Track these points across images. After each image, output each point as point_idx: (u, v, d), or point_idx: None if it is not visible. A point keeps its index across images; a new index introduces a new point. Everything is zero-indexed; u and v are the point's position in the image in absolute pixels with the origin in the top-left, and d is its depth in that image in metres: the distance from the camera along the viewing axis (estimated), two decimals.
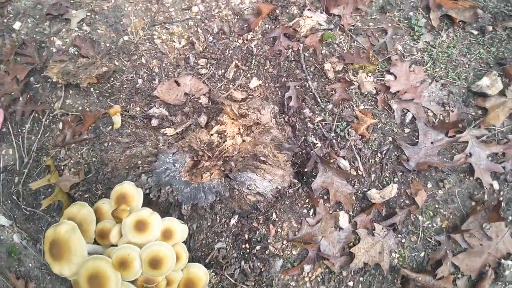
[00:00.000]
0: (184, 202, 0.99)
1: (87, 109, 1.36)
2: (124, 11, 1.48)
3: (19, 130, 1.35)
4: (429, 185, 1.33)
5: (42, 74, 1.38)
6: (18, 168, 1.32)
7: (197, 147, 1.12)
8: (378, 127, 1.35)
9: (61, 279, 1.25)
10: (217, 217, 1.07)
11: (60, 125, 1.33)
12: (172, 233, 0.98)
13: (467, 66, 1.42)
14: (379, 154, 1.33)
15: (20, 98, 1.38)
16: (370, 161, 1.31)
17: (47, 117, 1.36)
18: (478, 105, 1.36)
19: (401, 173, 1.32)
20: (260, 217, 1.14)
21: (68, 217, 1.00)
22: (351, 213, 1.25)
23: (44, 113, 1.36)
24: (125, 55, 1.42)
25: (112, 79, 1.39)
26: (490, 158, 1.30)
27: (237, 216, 1.12)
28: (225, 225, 1.11)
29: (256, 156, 1.10)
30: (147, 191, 1.06)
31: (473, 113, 1.35)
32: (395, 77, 1.40)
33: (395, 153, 1.34)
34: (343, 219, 1.22)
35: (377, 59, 1.43)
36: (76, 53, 1.43)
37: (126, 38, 1.44)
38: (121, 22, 1.46)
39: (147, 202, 1.08)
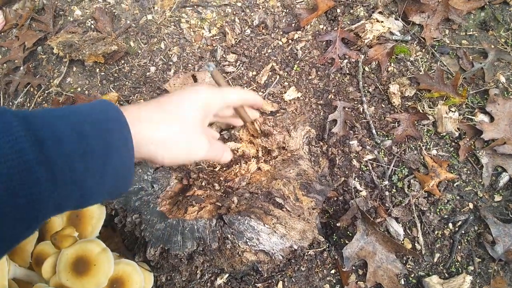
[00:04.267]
0: (152, 243, 0.68)
1: (86, 91, 1.13)
2: None
3: (10, 104, 1.16)
4: None
5: (48, 44, 1.19)
6: None
7: (193, 166, 0.81)
8: (455, 185, 0.94)
9: None
10: (198, 271, 0.74)
11: (50, 105, 1.12)
12: (125, 285, 0.67)
13: None
14: (450, 226, 0.91)
15: (22, 68, 1.20)
16: (436, 233, 0.90)
17: (41, 93, 1.15)
18: None
19: (479, 260, 0.89)
20: (259, 284, 0.79)
21: None
22: None
23: (39, 88, 1.16)
24: (143, 36, 1.18)
25: (122, 61, 1.16)
26: None
27: (227, 275, 0.78)
28: (209, 284, 0.78)
29: (270, 195, 0.77)
30: (113, 212, 0.77)
31: None
32: (492, 118, 0.98)
33: (476, 228, 0.91)
34: None
35: (468, 90, 1.02)
36: (92, 26, 1.22)
37: (150, 17, 1.20)
38: None
39: (111, 226, 0.79)
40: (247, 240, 0.69)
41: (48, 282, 0.69)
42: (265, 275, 0.78)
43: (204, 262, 0.72)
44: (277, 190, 0.78)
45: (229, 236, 0.69)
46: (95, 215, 0.75)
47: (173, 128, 0.48)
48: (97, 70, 1.16)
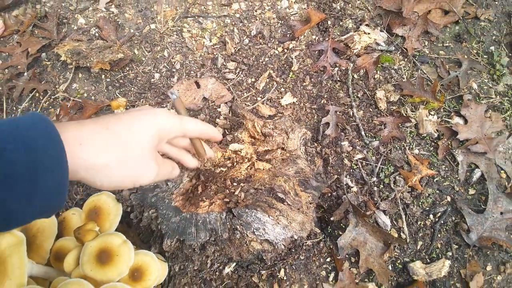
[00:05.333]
0: (168, 235, 0.75)
1: (93, 97, 1.19)
2: None
3: (14, 108, 1.20)
4: (489, 267, 1.00)
5: (52, 51, 1.23)
6: None
7: (202, 166, 0.89)
8: (435, 180, 1.06)
9: None
10: (208, 261, 0.81)
11: (58, 110, 1.16)
12: (144, 274, 0.74)
13: None
14: (431, 217, 1.02)
15: (25, 73, 1.24)
16: (419, 223, 1.01)
17: (48, 98, 1.19)
18: None
19: (457, 247, 1.00)
20: (263, 271, 0.87)
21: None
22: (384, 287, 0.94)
23: (45, 93, 1.20)
24: (147, 45, 1.25)
25: (127, 68, 1.22)
26: None
27: (235, 264, 0.86)
28: (217, 273, 0.85)
29: (273, 190, 0.85)
30: (129, 209, 0.84)
31: None
32: (466, 121, 1.10)
33: (453, 218, 1.03)
34: None
35: (445, 96, 1.14)
36: (96, 34, 1.28)
37: (153, 26, 1.27)
38: (152, 9, 1.30)
39: (126, 222, 0.85)
40: (254, 230, 0.77)
41: (69, 275, 0.75)
42: (269, 263, 0.87)
43: (215, 252, 0.79)
44: (279, 186, 0.87)
45: (238, 227, 0.77)
46: (113, 211, 0.81)
47: (117, 153, 0.43)
48: (103, 76, 1.21)
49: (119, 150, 0.43)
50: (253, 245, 0.80)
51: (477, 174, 1.07)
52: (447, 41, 1.23)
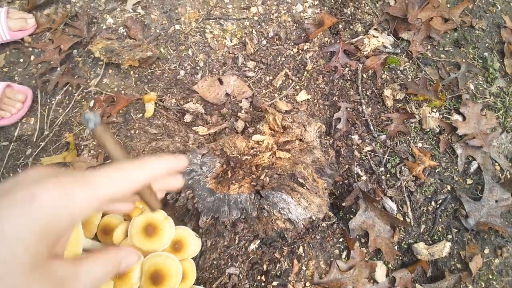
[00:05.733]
0: (204, 212, 0.85)
1: (122, 91, 1.28)
2: (181, 0, 1.42)
3: (48, 101, 1.29)
4: (486, 251, 1.11)
5: (86, 49, 1.33)
6: (34, 140, 1.24)
7: (230, 153, 0.99)
8: (436, 171, 1.17)
9: None
10: (236, 238, 0.91)
11: (92, 103, 1.26)
12: (184, 246, 0.84)
13: None
14: (433, 203, 1.13)
15: (58, 69, 1.33)
16: (422, 208, 1.12)
17: (81, 92, 1.29)
18: None
19: (456, 230, 1.11)
20: (285, 248, 0.97)
21: None
22: (390, 265, 1.05)
23: (78, 87, 1.29)
24: (172, 44, 1.34)
25: (154, 65, 1.31)
26: None
27: (259, 241, 0.96)
28: (243, 249, 0.95)
29: (294, 176, 0.95)
30: None
31: None
32: (464, 118, 1.22)
33: (453, 205, 1.14)
34: (380, 272, 1.02)
35: (446, 95, 1.25)
36: (124, 34, 1.37)
37: (177, 27, 1.37)
38: (176, 11, 1.40)
39: (162, 203, 0.95)
40: (280, 210, 0.87)
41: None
42: (289, 241, 0.97)
43: (244, 229, 0.89)
44: (299, 172, 0.97)
45: (265, 206, 0.87)
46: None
47: None
48: (131, 72, 1.31)
49: None
50: (278, 223, 0.90)
51: (474, 165, 1.18)
52: (447, 46, 1.35)
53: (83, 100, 1.28)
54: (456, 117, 1.22)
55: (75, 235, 0.78)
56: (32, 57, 1.39)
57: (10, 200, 0.26)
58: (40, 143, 1.22)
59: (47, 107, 1.28)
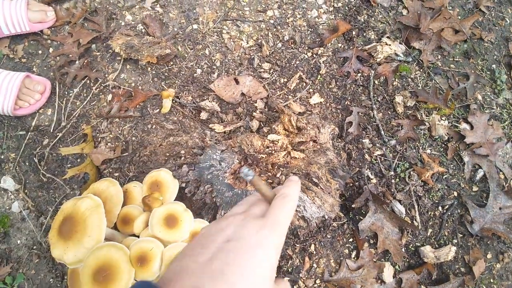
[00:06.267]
0: (222, 206, 0.88)
1: (140, 87, 1.31)
2: (200, 0, 1.45)
3: (66, 93, 1.31)
4: (489, 256, 1.14)
5: (105, 44, 1.35)
6: (51, 130, 1.26)
7: (247, 150, 1.01)
8: (444, 177, 1.20)
9: (51, 265, 1.11)
10: None
11: (109, 97, 1.28)
12: None
13: None
14: (440, 208, 1.16)
15: (77, 62, 1.35)
16: (429, 213, 1.15)
17: (99, 86, 1.31)
18: None
19: (461, 235, 1.14)
20: (297, 245, 1.00)
21: (93, 192, 0.91)
22: (397, 267, 1.07)
23: (96, 81, 1.32)
24: (190, 43, 1.37)
25: (171, 63, 1.34)
26: None
27: None
28: None
29: (308, 175, 0.98)
30: (183, 184, 0.96)
31: None
32: (472, 127, 1.25)
33: (459, 211, 1.17)
34: (388, 272, 1.05)
35: (455, 104, 1.29)
36: (143, 31, 1.40)
37: (195, 26, 1.40)
38: (194, 11, 1.43)
39: (180, 196, 0.97)
40: (296, 207, 0.90)
41: (137, 237, 0.87)
42: (302, 239, 0.99)
43: None
44: (314, 172, 1.00)
45: None
46: (171, 185, 0.93)
47: None
48: (149, 69, 1.33)
49: None
50: (292, 220, 0.92)
51: (480, 173, 1.21)
52: (457, 57, 1.39)
53: (100, 93, 1.30)
54: (464, 125, 1.26)
55: (98, 223, 0.81)
56: (51, 50, 1.41)
57: (251, 248, 0.34)
58: (57, 133, 1.24)
59: (65, 99, 1.30)
